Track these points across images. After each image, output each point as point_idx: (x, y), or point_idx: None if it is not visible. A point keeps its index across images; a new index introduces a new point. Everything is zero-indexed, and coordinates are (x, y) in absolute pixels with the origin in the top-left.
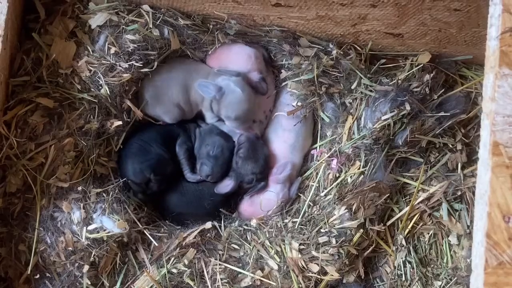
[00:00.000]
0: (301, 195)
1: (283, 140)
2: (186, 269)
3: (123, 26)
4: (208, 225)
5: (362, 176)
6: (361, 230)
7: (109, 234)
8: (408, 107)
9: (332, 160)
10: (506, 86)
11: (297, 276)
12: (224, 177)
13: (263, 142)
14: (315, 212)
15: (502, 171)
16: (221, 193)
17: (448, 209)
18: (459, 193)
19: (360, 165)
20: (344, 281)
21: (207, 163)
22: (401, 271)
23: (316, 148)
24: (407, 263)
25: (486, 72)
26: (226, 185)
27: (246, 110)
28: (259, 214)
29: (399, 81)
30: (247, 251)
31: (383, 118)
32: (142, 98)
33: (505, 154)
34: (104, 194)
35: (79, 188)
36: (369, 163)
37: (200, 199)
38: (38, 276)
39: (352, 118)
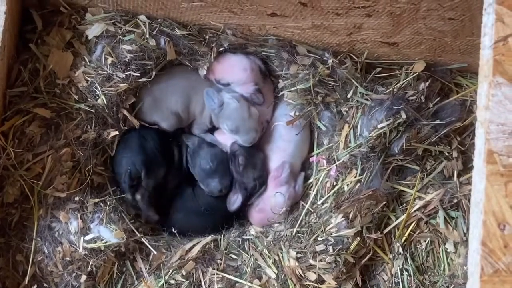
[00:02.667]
0: (301, 202)
1: (282, 149)
2: (184, 280)
3: (120, 37)
4: (209, 238)
5: (358, 184)
6: (358, 238)
7: (106, 244)
8: (403, 116)
9: (331, 168)
10: (500, 94)
11: (294, 285)
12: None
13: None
14: (313, 220)
15: (497, 179)
16: (235, 209)
17: (444, 217)
18: (455, 200)
19: (356, 173)
20: None
21: (212, 180)
22: (398, 279)
23: (314, 155)
24: (404, 271)
25: (480, 81)
26: (235, 200)
27: (244, 120)
28: (270, 218)
29: (395, 90)
30: (245, 260)
31: (379, 126)
32: (140, 105)
33: (500, 162)
34: (101, 204)
35: (76, 198)
36: (366, 171)
37: (209, 215)
38: (35, 286)
39: (349, 127)
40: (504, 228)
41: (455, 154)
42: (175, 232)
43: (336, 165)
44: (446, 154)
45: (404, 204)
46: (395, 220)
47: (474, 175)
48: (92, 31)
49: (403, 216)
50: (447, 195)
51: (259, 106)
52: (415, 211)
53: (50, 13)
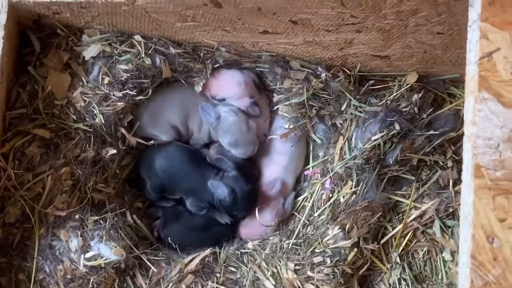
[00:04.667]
0: (296, 214)
1: (276, 162)
2: None
3: (116, 57)
4: (208, 251)
5: (354, 195)
6: (355, 249)
7: (106, 261)
8: (397, 127)
9: (326, 180)
10: (486, 109)
11: None
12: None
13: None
14: (310, 232)
15: (485, 193)
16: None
17: (440, 226)
18: (451, 209)
19: (352, 184)
20: None
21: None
22: None
23: (309, 169)
24: (402, 280)
25: (466, 96)
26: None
27: (242, 133)
28: (256, 234)
29: (388, 102)
30: (244, 273)
31: (373, 138)
32: (138, 122)
33: (487, 176)
34: (101, 221)
35: (76, 216)
36: (361, 183)
37: (207, 231)
38: None
39: (343, 139)
40: (492, 241)
41: (449, 163)
42: (171, 243)
43: (330, 177)
44: (441, 163)
45: (401, 214)
46: (392, 230)
47: (463, 189)
48: (89, 52)
49: (400, 226)
50: (443, 204)
51: (256, 119)
52: (411, 221)
53: (48, 36)
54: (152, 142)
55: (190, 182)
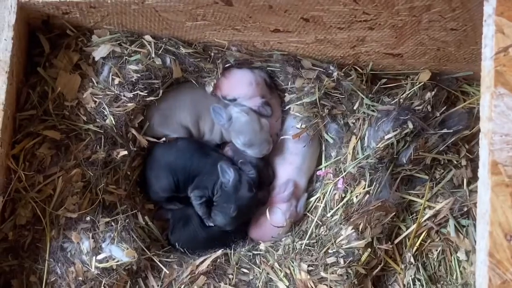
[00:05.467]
0: (309, 215)
1: (289, 162)
2: None
3: (126, 57)
4: (219, 252)
5: (367, 195)
6: (369, 250)
7: (118, 263)
8: (410, 126)
9: (338, 180)
10: (503, 105)
11: None
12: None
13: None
14: (323, 233)
15: (502, 190)
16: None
17: (455, 225)
18: (465, 209)
19: (365, 184)
20: None
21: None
22: None
23: (321, 169)
24: (416, 280)
25: (483, 92)
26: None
27: (256, 133)
28: (268, 235)
29: (401, 100)
30: (256, 274)
31: (386, 137)
32: (148, 122)
33: (504, 172)
34: (112, 223)
35: (88, 218)
36: (374, 182)
37: (216, 236)
38: None
39: (356, 138)
40: (511, 239)
41: (464, 162)
42: (179, 248)
43: (343, 177)
44: (455, 162)
45: (414, 214)
46: (406, 230)
47: (479, 186)
48: (99, 53)
49: (414, 226)
50: (457, 204)
51: (268, 119)
52: (425, 220)
53: (57, 36)
54: (163, 139)
55: (200, 170)
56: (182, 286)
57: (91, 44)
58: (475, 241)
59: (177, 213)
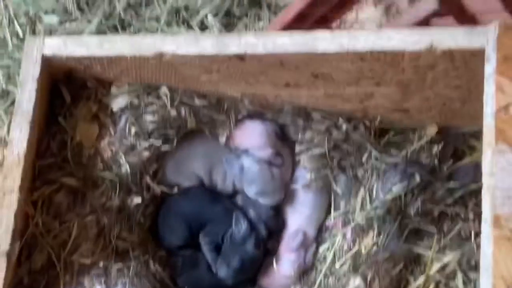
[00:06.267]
0: (317, 265)
1: (299, 212)
2: None
3: (143, 108)
4: None
5: (375, 246)
6: None
7: None
8: (418, 179)
9: (347, 230)
10: (504, 161)
11: None
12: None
13: None
14: (331, 283)
15: (504, 244)
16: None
17: (463, 278)
18: (473, 262)
19: (373, 235)
20: None
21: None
22: None
23: (330, 219)
24: None
25: (484, 149)
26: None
27: (267, 182)
28: (276, 284)
29: (408, 154)
30: None
31: (394, 189)
32: (162, 171)
33: (507, 226)
34: (125, 270)
35: (101, 264)
36: (382, 234)
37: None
38: None
39: (364, 190)
40: None
41: (471, 215)
42: None
43: (351, 228)
44: (462, 216)
45: (422, 266)
46: (414, 282)
47: (482, 240)
48: (117, 104)
49: (422, 279)
50: (465, 257)
51: (279, 169)
52: (433, 273)
53: (78, 88)
54: (175, 189)
55: (213, 217)
56: None
57: (110, 96)
58: None
59: (186, 256)
